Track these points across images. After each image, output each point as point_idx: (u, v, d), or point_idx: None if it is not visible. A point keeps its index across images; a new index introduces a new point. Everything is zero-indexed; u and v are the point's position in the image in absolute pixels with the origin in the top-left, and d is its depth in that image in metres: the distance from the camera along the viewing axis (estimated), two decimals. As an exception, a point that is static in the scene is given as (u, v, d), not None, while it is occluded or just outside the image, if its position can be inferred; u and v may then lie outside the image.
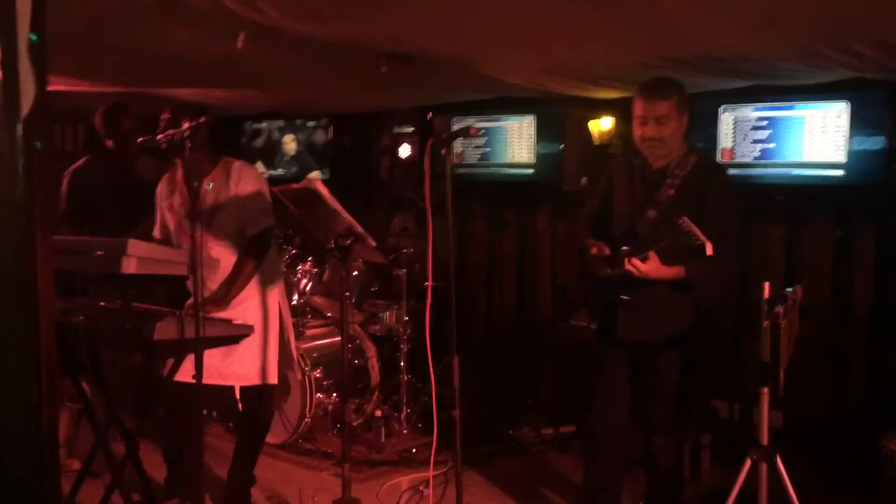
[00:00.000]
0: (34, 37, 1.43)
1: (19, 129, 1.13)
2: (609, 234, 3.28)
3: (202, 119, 3.01)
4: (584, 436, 3.50)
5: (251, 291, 3.59)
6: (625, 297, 3.17)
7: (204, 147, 3.43)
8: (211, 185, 3.54)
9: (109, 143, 4.27)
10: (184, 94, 5.03)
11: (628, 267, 2.96)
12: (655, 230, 3.03)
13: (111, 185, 4.27)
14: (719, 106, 4.50)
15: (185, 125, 3.00)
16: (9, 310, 1.20)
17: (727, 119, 4.51)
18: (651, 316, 3.17)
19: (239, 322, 3.39)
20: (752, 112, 4.43)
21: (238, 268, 3.55)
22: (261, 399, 3.72)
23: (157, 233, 3.77)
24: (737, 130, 4.49)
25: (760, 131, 4.42)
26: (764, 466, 2.83)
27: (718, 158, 4.50)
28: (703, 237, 2.77)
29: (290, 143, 6.57)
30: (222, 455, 4.13)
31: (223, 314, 3.41)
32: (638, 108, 3.13)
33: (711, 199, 3.07)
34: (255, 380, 3.61)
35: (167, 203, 3.70)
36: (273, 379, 3.67)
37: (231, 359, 3.49)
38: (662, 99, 3.08)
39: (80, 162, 4.41)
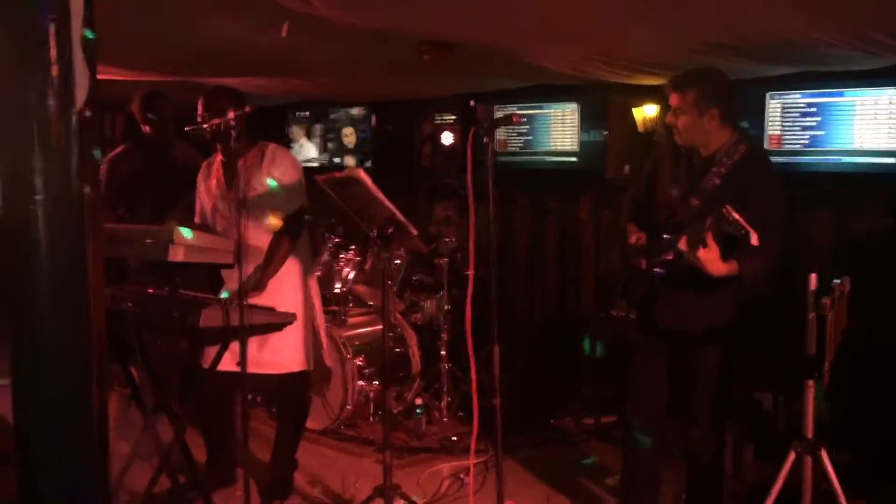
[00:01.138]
0: (90, 34, 1.46)
1: (74, 123, 1.16)
2: (652, 221, 3.24)
3: (247, 108, 3.05)
4: (622, 425, 3.48)
5: (285, 277, 3.63)
6: (658, 271, 3.12)
7: (245, 135, 3.47)
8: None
9: (146, 129, 4.33)
10: (227, 83, 5.07)
11: (682, 247, 2.89)
12: (697, 218, 2.98)
13: (148, 172, 4.33)
14: (766, 92, 4.42)
15: (231, 114, 3.03)
16: (67, 298, 1.23)
17: (775, 106, 4.43)
18: (690, 306, 3.13)
19: (282, 310, 3.43)
20: (800, 98, 4.35)
21: (273, 248, 3.59)
22: (298, 385, 3.78)
23: (197, 218, 3.83)
24: (785, 117, 4.40)
25: (809, 118, 4.33)
26: (808, 460, 2.79)
27: (766, 146, 4.43)
28: (747, 226, 2.72)
29: (350, 136, 6.64)
30: (266, 440, 4.18)
31: (261, 300, 3.45)
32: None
33: (755, 190, 3.00)
34: (290, 367, 3.66)
35: (204, 187, 3.76)
36: (308, 364, 3.73)
37: (265, 347, 3.53)
38: (675, 91, 3.09)
39: (118, 150, 4.48)
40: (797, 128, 4.37)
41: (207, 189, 3.75)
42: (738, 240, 2.78)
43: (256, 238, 3.57)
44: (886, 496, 3.41)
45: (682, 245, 2.90)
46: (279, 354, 3.60)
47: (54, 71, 1.12)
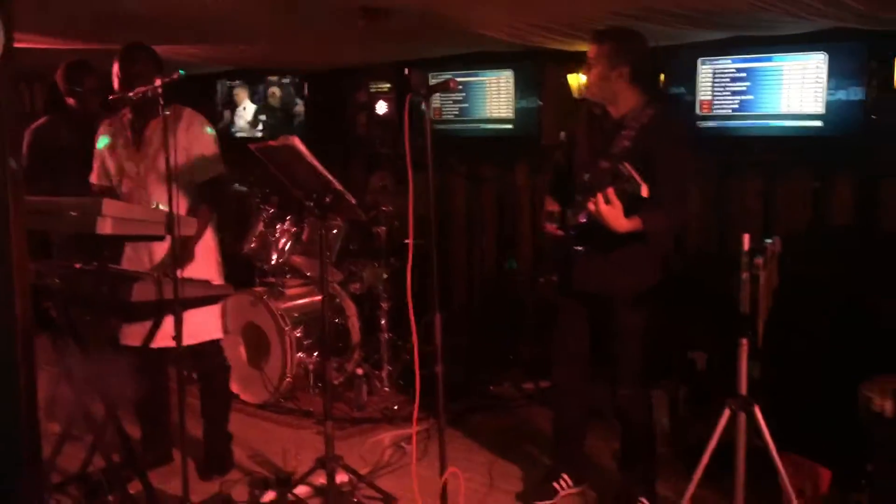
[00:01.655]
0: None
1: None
2: (570, 187, 3.31)
3: (175, 75, 2.94)
4: (550, 388, 3.60)
5: (200, 247, 3.57)
6: (578, 249, 3.22)
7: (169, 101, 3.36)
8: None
9: (71, 101, 4.19)
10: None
11: (590, 206, 2.95)
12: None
13: (72, 144, 4.19)
14: (698, 58, 4.48)
15: (158, 82, 2.93)
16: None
17: (706, 71, 4.49)
18: (605, 268, 3.21)
19: (199, 279, 3.35)
20: (730, 64, 4.42)
21: (195, 217, 3.51)
22: (212, 354, 3.74)
23: (94, 177, 3.70)
24: (715, 82, 4.47)
25: (738, 83, 4.41)
26: (742, 416, 2.87)
27: (698, 111, 4.50)
28: (640, 180, 2.79)
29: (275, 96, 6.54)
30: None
31: (188, 273, 3.37)
32: None
33: (661, 152, 3.04)
34: (201, 336, 3.60)
35: (109, 145, 3.63)
36: (219, 333, 3.69)
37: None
38: (592, 42, 3.19)
39: (41, 121, 4.35)
40: (727, 93, 4.44)
41: (112, 147, 3.62)
42: (633, 195, 2.86)
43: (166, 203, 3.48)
44: (815, 448, 3.54)
45: (590, 205, 2.96)
46: (191, 325, 3.51)
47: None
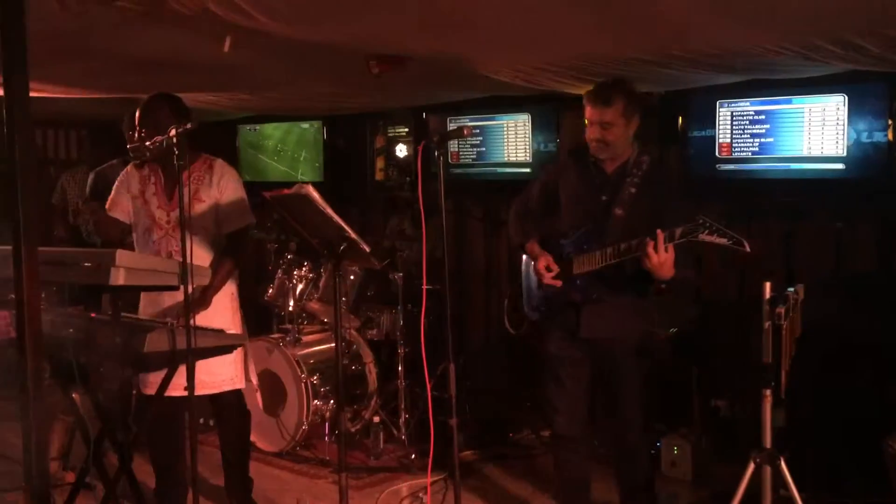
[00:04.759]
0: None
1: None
2: (554, 233, 3.34)
3: (189, 125, 2.96)
4: (552, 435, 3.60)
5: (221, 296, 3.55)
6: (579, 283, 3.22)
7: (188, 150, 3.39)
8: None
9: (129, 146, 4.32)
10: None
11: (649, 250, 2.92)
12: (624, 228, 3.10)
13: None
14: (716, 101, 4.45)
15: (172, 132, 2.94)
16: None
17: (724, 114, 4.46)
18: (614, 314, 3.22)
19: (231, 332, 3.34)
20: (749, 106, 4.38)
21: (217, 266, 3.52)
22: (233, 403, 3.70)
23: (109, 206, 3.65)
24: (734, 125, 4.44)
25: (758, 125, 4.37)
26: (767, 469, 2.79)
27: (717, 153, 4.47)
28: (737, 236, 2.86)
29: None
30: (218, 464, 4.08)
31: (207, 321, 3.36)
32: (586, 111, 3.20)
33: (670, 199, 3.17)
34: (223, 386, 3.58)
35: (140, 189, 3.60)
36: (241, 383, 3.65)
37: (199, 367, 3.42)
38: (606, 106, 3.14)
39: (107, 164, 4.56)
40: (746, 135, 4.40)
41: (141, 193, 3.61)
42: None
43: (197, 256, 3.48)
44: (846, 496, 3.44)
45: (650, 249, 2.92)
46: (213, 374, 3.50)
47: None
